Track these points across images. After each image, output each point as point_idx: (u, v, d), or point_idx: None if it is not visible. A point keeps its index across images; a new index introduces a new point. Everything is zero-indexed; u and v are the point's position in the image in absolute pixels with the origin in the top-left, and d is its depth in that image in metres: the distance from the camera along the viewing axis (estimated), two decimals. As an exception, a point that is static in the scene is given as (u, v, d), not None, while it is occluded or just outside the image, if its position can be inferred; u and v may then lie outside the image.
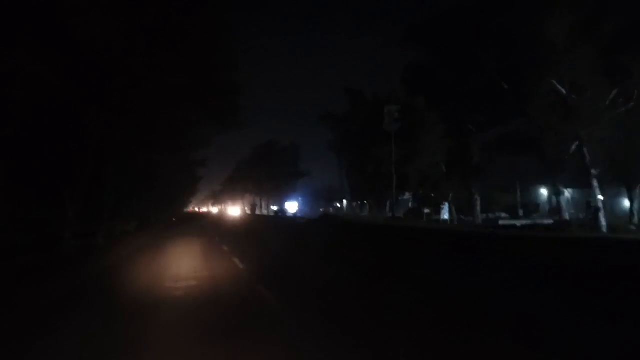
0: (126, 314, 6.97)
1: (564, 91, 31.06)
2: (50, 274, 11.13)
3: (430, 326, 5.98)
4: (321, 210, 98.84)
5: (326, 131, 64.07)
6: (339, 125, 59.67)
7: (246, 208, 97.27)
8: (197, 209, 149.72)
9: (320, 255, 15.00)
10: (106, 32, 13.73)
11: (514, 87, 36.62)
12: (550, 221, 34.86)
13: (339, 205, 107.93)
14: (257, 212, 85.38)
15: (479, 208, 44.80)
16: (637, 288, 7.91)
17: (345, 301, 7.76)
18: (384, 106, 35.41)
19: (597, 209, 29.89)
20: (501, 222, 34.97)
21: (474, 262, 12.49)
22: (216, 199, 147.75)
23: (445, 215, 40.86)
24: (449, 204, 41.63)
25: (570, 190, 61.58)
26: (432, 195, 43.81)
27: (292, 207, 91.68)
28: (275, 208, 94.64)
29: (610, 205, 42.70)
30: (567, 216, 35.59)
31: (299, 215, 61.49)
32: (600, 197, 30.77)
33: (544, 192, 62.70)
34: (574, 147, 33.30)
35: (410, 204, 58.94)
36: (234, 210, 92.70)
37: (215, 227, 34.09)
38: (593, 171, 29.95)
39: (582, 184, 41.89)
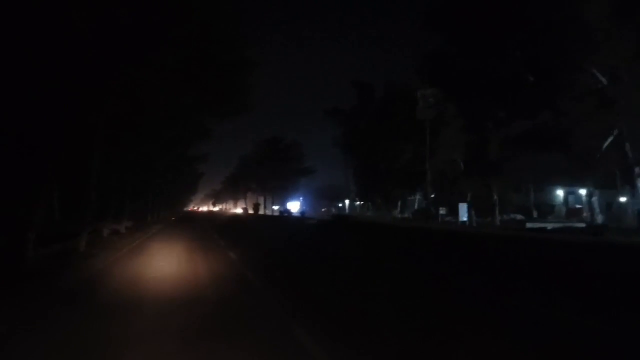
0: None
1: (604, 80, 28.16)
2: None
3: None
4: (323, 209, 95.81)
5: (331, 128, 61.45)
6: (346, 121, 56.85)
7: (248, 208, 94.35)
8: (197, 208, 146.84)
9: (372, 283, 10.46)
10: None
11: (541, 76, 33.84)
12: (582, 224, 31.94)
13: (340, 204, 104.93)
14: (261, 211, 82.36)
15: (497, 209, 42.04)
16: None
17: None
18: (417, 91, 32.32)
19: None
20: (529, 225, 32.07)
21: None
22: (217, 197, 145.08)
23: (464, 217, 37.97)
24: (468, 204, 38.74)
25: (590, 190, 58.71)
26: (451, 194, 40.91)
27: (294, 206, 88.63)
28: (276, 207, 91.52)
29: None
30: (599, 219, 32.71)
31: (306, 215, 58.25)
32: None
33: (559, 192, 59.90)
34: (607, 142, 30.56)
35: (416, 204, 55.93)
36: (237, 210, 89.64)
37: (218, 229, 31.17)
38: (637, 169, 26.97)
39: (605, 183, 39.44)
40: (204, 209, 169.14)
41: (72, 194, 28.02)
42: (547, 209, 57.41)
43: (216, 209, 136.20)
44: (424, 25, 35.96)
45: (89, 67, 12.09)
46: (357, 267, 12.48)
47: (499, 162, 39.36)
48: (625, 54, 26.73)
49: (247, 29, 17.24)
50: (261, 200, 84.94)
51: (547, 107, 34.53)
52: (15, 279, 9.06)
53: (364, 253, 15.82)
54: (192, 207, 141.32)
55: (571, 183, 56.74)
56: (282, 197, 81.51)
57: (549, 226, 30.49)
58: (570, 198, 60.97)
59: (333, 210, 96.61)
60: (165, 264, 12.49)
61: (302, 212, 57.20)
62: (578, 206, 56.60)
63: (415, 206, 54.90)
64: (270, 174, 67.32)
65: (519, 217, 49.09)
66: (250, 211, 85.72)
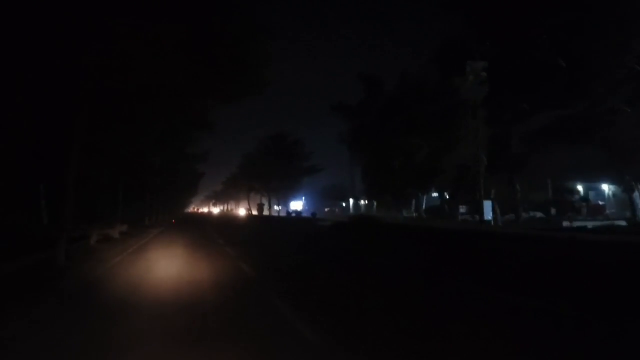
0: None
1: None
2: None
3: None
4: (326, 209, 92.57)
5: (335, 124, 58.62)
6: (353, 117, 53.80)
7: (251, 208, 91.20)
8: (198, 210, 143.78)
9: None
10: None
11: (575, 61, 30.93)
12: (622, 222, 29.04)
13: (344, 204, 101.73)
14: (265, 212, 79.18)
15: (520, 207, 39.15)
16: None
17: None
18: (465, 63, 28.86)
19: None
20: (565, 224, 29.18)
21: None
22: (218, 198, 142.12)
23: (489, 215, 34.93)
24: (492, 202, 35.72)
25: (611, 185, 55.93)
26: (472, 191, 37.88)
27: (297, 206, 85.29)
28: (277, 208, 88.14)
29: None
30: (641, 216, 29.82)
31: (317, 216, 54.54)
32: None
33: (579, 188, 57.07)
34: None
35: (423, 204, 52.67)
36: (241, 211, 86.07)
37: (222, 233, 28.14)
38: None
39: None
40: (205, 210, 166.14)
41: (61, 195, 25.10)
42: (567, 206, 54.38)
43: (217, 210, 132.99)
44: (442, 5, 33.05)
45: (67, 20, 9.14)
46: (418, 291, 9.31)
47: (524, 156, 36.46)
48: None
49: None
50: (263, 200, 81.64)
51: (581, 96, 31.64)
52: None
53: (417, 266, 12.56)
54: (192, 209, 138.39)
55: (591, 178, 54.03)
56: (285, 197, 77.92)
57: (589, 225, 27.60)
58: (591, 194, 58.19)
59: (336, 210, 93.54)
60: (161, 286, 9.51)
61: (313, 213, 53.70)
62: (601, 203, 53.89)
63: (423, 205, 51.78)
64: (274, 172, 63.64)
65: (539, 214, 46.33)
66: (254, 212, 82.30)
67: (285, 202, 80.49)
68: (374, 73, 54.05)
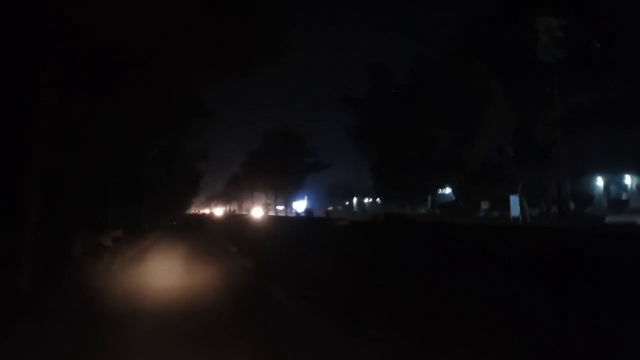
0: None
1: None
2: None
3: None
4: (330, 208, 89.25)
5: (338, 120, 55.32)
6: (361, 109, 50.81)
7: (264, 209, 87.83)
8: (199, 212, 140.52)
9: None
10: None
11: (612, 41, 28.13)
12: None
13: (347, 202, 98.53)
14: (271, 213, 75.95)
15: (545, 200, 36.26)
16: None
17: None
18: (536, 18, 25.06)
19: None
20: (608, 219, 26.35)
21: None
22: (220, 199, 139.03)
23: (516, 211, 32.14)
24: (520, 197, 32.93)
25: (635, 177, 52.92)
26: (495, 185, 35.09)
27: (300, 205, 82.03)
28: (280, 207, 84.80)
29: None
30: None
31: (332, 215, 50.48)
32: None
33: (600, 181, 54.00)
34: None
35: (428, 202, 49.50)
36: (256, 212, 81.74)
37: (230, 237, 25.23)
38: None
39: None
40: (206, 211, 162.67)
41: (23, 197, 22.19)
42: (586, 199, 51.35)
43: (220, 211, 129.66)
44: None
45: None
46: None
47: (552, 145, 33.58)
48: None
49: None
50: (268, 200, 78.35)
51: (618, 77, 28.85)
52: None
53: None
54: (194, 211, 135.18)
55: (614, 170, 51.08)
56: (289, 196, 74.30)
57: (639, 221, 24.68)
58: (612, 187, 55.28)
59: (340, 209, 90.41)
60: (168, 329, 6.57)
61: (327, 213, 50.47)
62: (624, 196, 50.97)
63: (429, 204, 48.77)
64: (280, 169, 60.00)
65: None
66: (266, 213, 78.64)
67: (288, 202, 76.93)
68: (381, 63, 50.94)
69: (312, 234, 25.81)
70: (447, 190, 53.75)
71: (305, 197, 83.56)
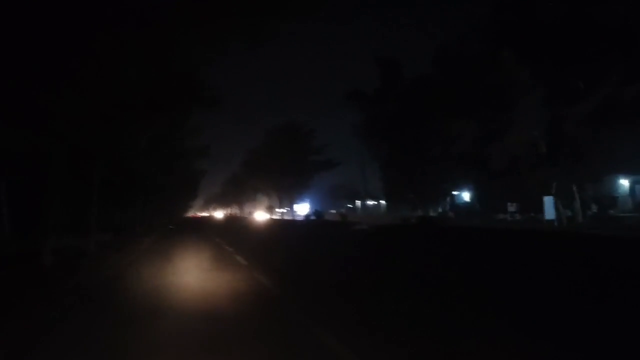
0: None
1: None
2: None
3: None
4: (332, 211, 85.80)
5: (342, 118, 51.78)
6: (371, 105, 47.68)
7: (255, 212, 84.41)
8: (197, 215, 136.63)
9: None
10: None
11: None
12: None
13: (349, 205, 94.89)
14: (275, 216, 72.27)
15: (578, 202, 33.19)
16: None
17: None
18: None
19: None
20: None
21: None
22: (219, 202, 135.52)
23: (551, 214, 29.02)
24: (554, 198, 29.84)
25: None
26: (523, 185, 31.97)
27: (302, 208, 78.59)
28: (281, 210, 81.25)
29: None
30: None
31: (349, 218, 46.08)
32: None
33: (624, 182, 50.93)
34: None
35: (437, 207, 46.21)
36: (260, 215, 77.78)
37: (234, 243, 21.95)
38: None
39: None
40: (205, 214, 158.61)
41: (28, 198, 18.96)
42: (608, 201, 48.28)
43: (220, 214, 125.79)
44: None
45: None
46: None
47: (587, 141, 30.51)
48: None
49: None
50: (272, 202, 74.69)
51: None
52: None
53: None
54: (192, 214, 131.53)
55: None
56: (294, 197, 70.20)
57: None
58: (637, 188, 52.40)
59: (343, 211, 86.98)
60: None
61: (342, 216, 46.70)
62: (652, 197, 47.95)
63: (447, 206, 45.57)
64: (287, 167, 55.75)
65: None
66: (264, 216, 75.02)
67: (293, 204, 73.02)
68: (392, 57, 47.92)
69: (331, 239, 22.43)
70: (457, 192, 50.70)
71: (307, 199, 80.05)
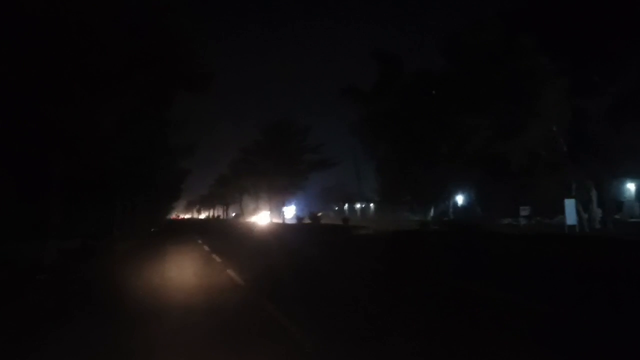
0: None
1: None
2: None
3: None
4: (319, 214, 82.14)
5: (333, 117, 48.78)
6: (369, 101, 44.70)
7: (235, 214, 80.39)
8: (181, 215, 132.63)
9: None
10: None
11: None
12: None
13: (336, 207, 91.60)
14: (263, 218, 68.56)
15: (595, 205, 30.76)
16: None
17: None
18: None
19: None
20: None
21: None
22: (204, 204, 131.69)
23: (572, 219, 26.34)
24: (576, 201, 27.23)
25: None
26: (539, 186, 29.34)
27: (289, 211, 75.20)
28: (265, 214, 77.56)
29: None
30: None
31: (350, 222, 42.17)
32: None
33: (630, 187, 48.87)
34: None
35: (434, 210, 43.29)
36: (262, 218, 73.30)
37: (222, 248, 18.67)
38: None
39: None
40: (188, 216, 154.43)
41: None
42: (614, 206, 46.09)
43: (202, 216, 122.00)
44: None
45: None
46: None
47: (612, 139, 28.07)
48: None
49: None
50: (262, 204, 70.89)
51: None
52: None
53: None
54: (174, 216, 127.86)
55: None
56: (286, 199, 66.36)
57: None
58: (643, 192, 50.42)
59: (331, 214, 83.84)
60: None
61: (345, 219, 43.15)
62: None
63: (450, 209, 42.80)
64: (279, 167, 51.97)
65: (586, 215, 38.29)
66: (264, 219, 71.12)
67: (284, 205, 69.37)
68: (391, 51, 45.05)
69: (338, 246, 19.14)
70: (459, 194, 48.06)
71: (296, 202, 76.62)
